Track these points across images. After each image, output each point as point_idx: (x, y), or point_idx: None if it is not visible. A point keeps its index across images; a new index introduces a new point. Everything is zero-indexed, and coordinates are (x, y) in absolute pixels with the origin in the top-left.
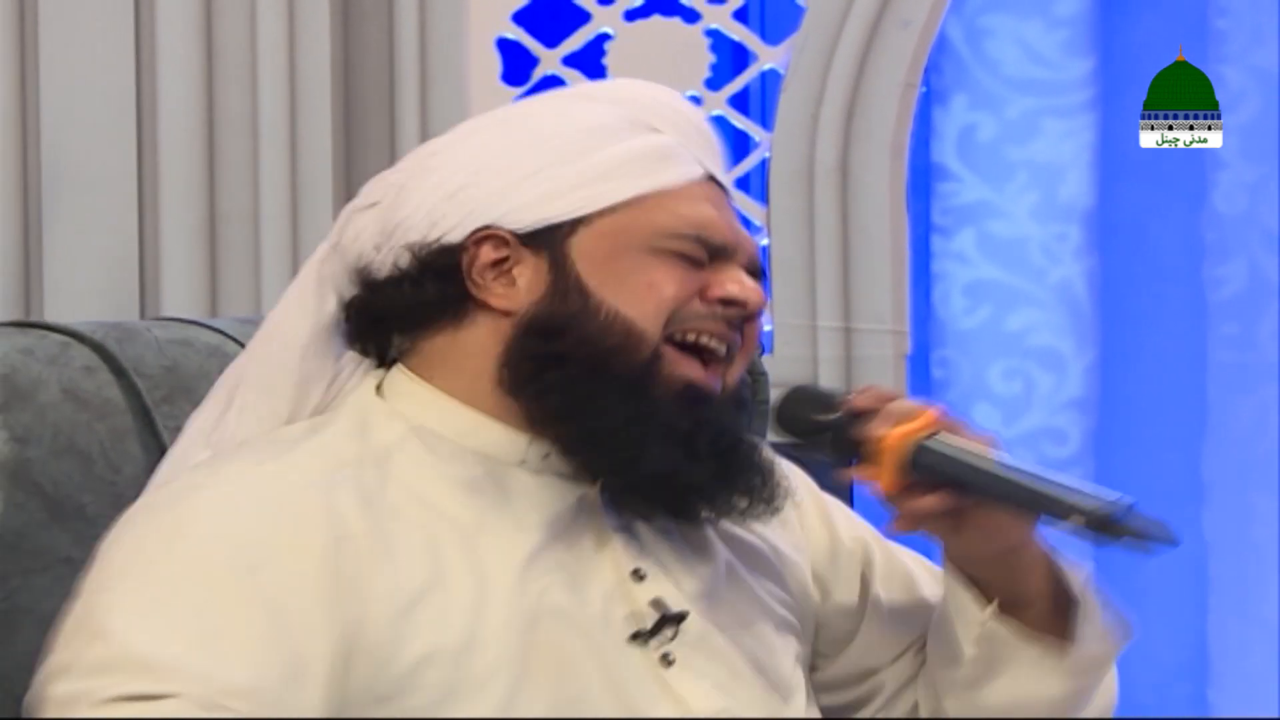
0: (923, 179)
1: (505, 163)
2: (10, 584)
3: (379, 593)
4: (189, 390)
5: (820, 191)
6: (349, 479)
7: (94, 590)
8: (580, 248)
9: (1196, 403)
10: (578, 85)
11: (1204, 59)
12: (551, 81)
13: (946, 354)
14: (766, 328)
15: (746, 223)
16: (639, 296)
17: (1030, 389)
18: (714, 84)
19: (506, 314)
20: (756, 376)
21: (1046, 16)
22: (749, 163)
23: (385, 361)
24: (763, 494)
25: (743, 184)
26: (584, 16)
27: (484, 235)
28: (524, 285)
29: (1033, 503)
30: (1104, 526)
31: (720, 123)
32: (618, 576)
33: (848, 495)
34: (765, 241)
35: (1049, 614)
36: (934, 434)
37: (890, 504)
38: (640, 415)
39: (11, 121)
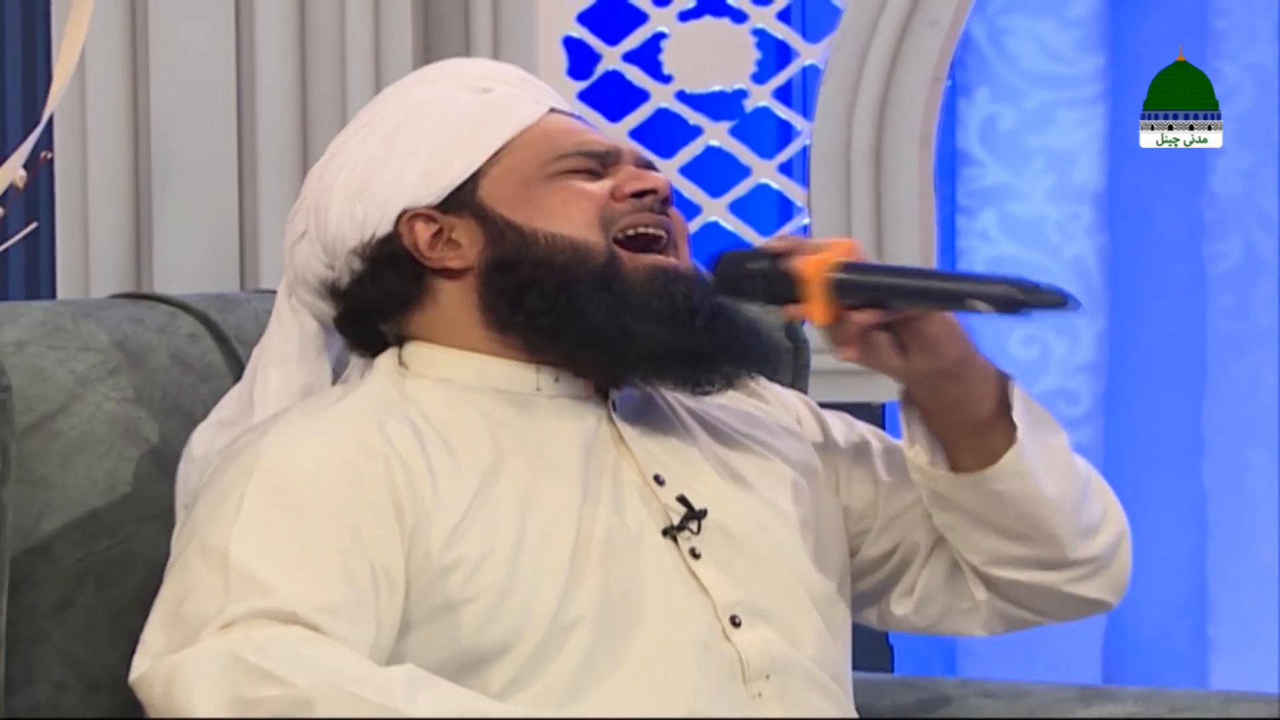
0: (948, 164)
1: (385, 154)
2: (123, 531)
3: (432, 508)
4: None
5: (856, 176)
6: (396, 413)
7: (196, 529)
8: (490, 195)
9: (1196, 366)
10: (404, 77)
11: (1203, 56)
12: (612, 76)
13: (968, 323)
14: None
15: (789, 204)
16: (561, 215)
17: (1046, 354)
18: (759, 78)
19: (465, 271)
20: (798, 343)
21: (1061, 17)
22: (791, 149)
23: (390, 344)
24: (759, 353)
25: (785, 169)
26: (642, 17)
27: (409, 217)
28: (466, 243)
29: (944, 296)
30: (1009, 305)
31: (764, 113)
32: (642, 480)
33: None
34: (806, 221)
35: (1008, 425)
36: (849, 261)
37: (829, 333)
38: (620, 305)
39: (124, 114)
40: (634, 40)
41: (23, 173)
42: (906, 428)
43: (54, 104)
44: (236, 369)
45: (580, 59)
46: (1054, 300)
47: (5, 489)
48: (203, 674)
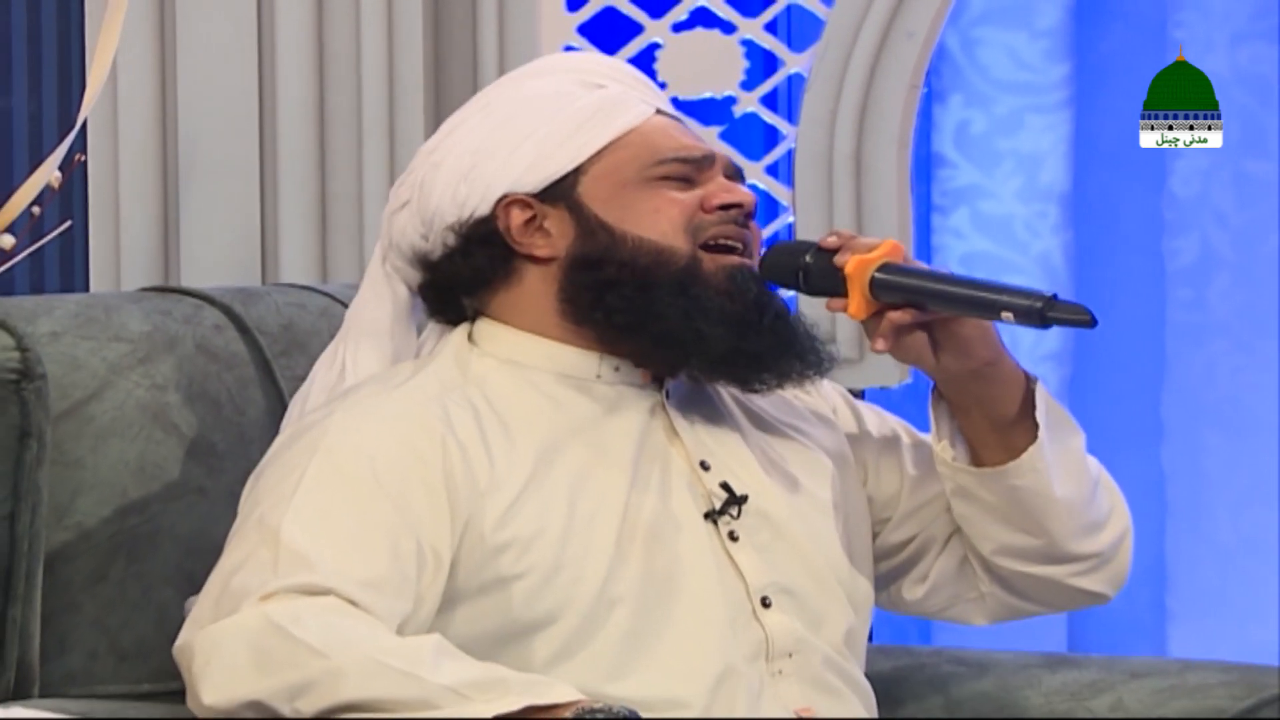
0: (924, 166)
1: (496, 140)
2: (151, 509)
3: (488, 489)
4: (303, 345)
5: (838, 177)
6: (458, 396)
7: (258, 501)
8: (587, 193)
9: (1156, 355)
10: (531, 64)
11: (1163, 64)
12: None
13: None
14: None
15: (774, 204)
16: (651, 221)
17: (1015, 343)
18: (747, 85)
19: (550, 260)
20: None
21: (1030, 28)
22: (777, 152)
23: (466, 319)
24: (814, 356)
25: (772, 171)
26: (637, 28)
27: (508, 202)
28: (557, 233)
29: (974, 304)
30: (1034, 318)
31: (752, 118)
32: (689, 466)
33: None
34: (791, 219)
35: (1030, 424)
36: (892, 262)
37: (866, 325)
38: (694, 309)
39: (153, 119)
40: (630, 50)
41: (58, 174)
42: (935, 422)
43: (87, 110)
44: (259, 357)
45: None
46: (1077, 317)
47: (41, 470)
48: (236, 641)
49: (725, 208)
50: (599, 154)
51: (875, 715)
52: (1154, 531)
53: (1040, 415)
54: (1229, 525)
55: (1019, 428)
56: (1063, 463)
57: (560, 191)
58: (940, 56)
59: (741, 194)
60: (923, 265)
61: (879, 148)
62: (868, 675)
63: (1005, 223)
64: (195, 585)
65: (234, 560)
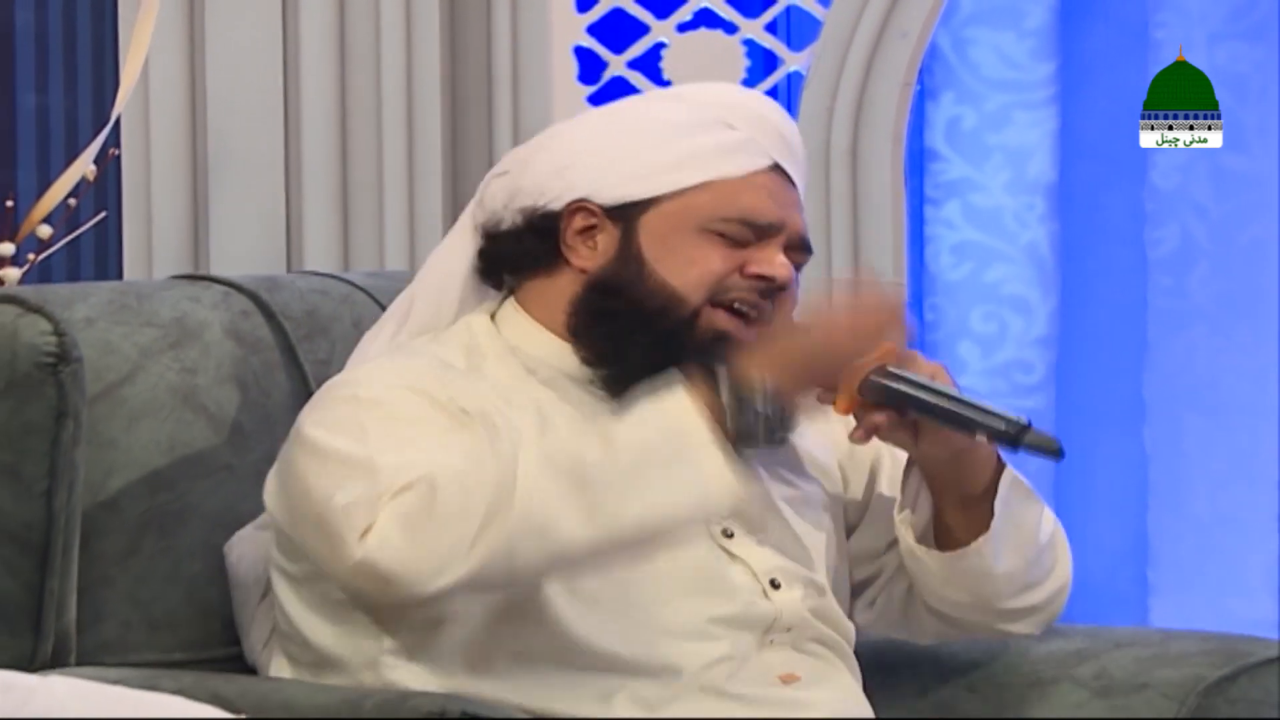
0: (917, 160)
1: (600, 148)
2: (181, 487)
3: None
4: (325, 330)
5: (835, 171)
6: (453, 374)
7: (316, 446)
8: (648, 224)
9: (1138, 340)
10: (677, 87)
11: (1144, 63)
12: (618, 82)
13: (936, 301)
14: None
15: None
16: (682, 269)
17: (1004, 329)
18: (748, 83)
19: (583, 270)
20: None
21: (1017, 28)
22: None
23: (503, 290)
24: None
25: None
26: (644, 28)
27: (578, 207)
28: (601, 249)
29: (951, 421)
30: (1006, 440)
31: None
32: None
33: None
34: None
35: (990, 508)
36: (883, 366)
37: (855, 419)
38: (666, 361)
39: (184, 115)
40: (637, 49)
41: (93, 167)
42: (903, 492)
43: (121, 106)
44: (284, 342)
45: (589, 66)
46: (1047, 446)
47: (77, 450)
48: (397, 535)
49: (760, 278)
50: (681, 191)
51: (859, 683)
52: (1136, 509)
53: (999, 503)
54: (1208, 502)
55: (981, 506)
56: (1012, 539)
57: (626, 213)
58: (932, 55)
59: (781, 268)
60: (913, 369)
61: (874, 143)
62: (862, 642)
63: (994, 214)
64: (223, 560)
65: (325, 493)
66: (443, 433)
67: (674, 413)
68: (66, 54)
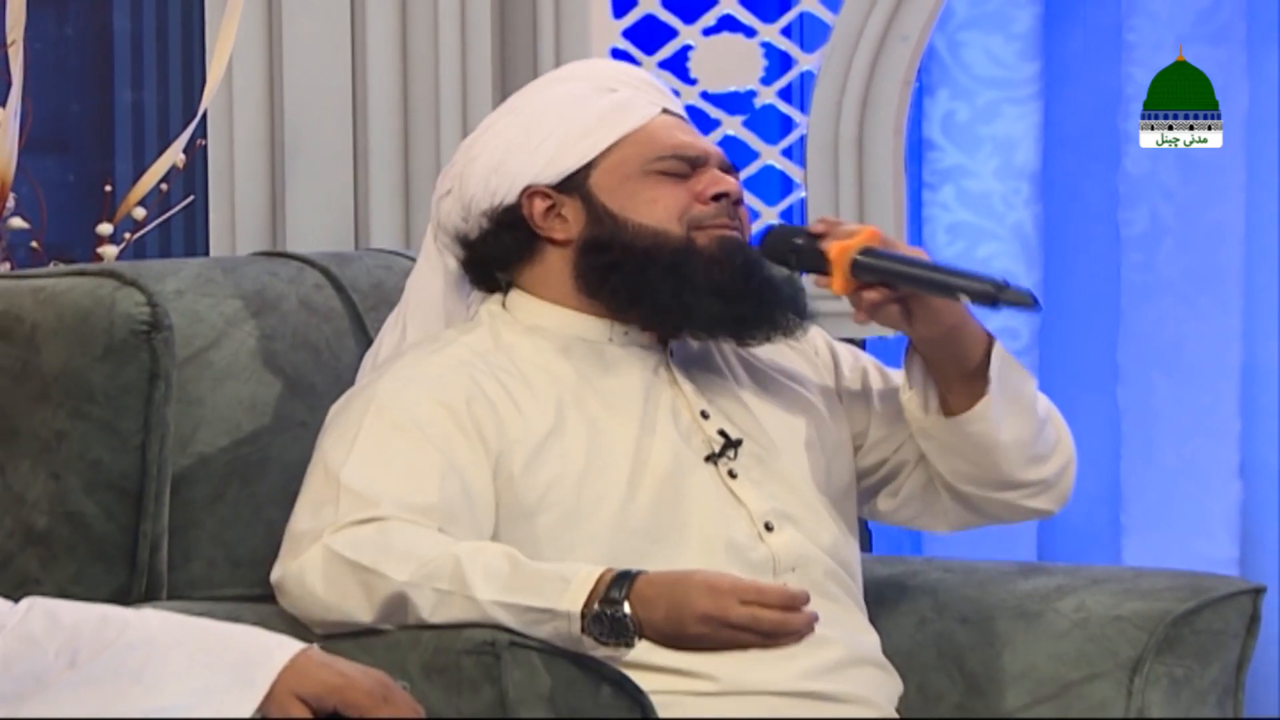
0: (916, 150)
1: (523, 138)
2: (261, 440)
3: (515, 437)
4: (389, 301)
5: (843, 159)
6: (484, 362)
7: (323, 455)
8: (598, 184)
9: (1112, 310)
10: (555, 70)
11: (1118, 63)
12: None
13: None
14: None
15: (789, 181)
16: (650, 209)
17: None
18: (766, 81)
19: (567, 242)
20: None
21: (1005, 32)
22: (791, 138)
23: (501, 289)
24: (795, 313)
25: (787, 154)
26: (673, 32)
27: (530, 192)
28: (572, 220)
29: (935, 286)
30: (986, 299)
31: (770, 109)
32: (691, 416)
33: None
34: (803, 194)
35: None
36: (869, 247)
37: (850, 299)
38: (684, 286)
39: (263, 108)
40: (667, 51)
41: (182, 156)
42: (907, 374)
43: (207, 101)
44: (352, 312)
45: None
46: (1022, 300)
47: (168, 407)
48: (312, 574)
49: (717, 197)
50: (608, 151)
51: (867, 622)
52: (1110, 459)
53: (993, 371)
54: (1174, 454)
55: (978, 378)
56: (1012, 409)
57: (575, 183)
58: (930, 56)
59: (729, 184)
60: (898, 250)
61: (877, 134)
62: (868, 580)
63: (984, 198)
64: None
65: (304, 507)
66: (434, 475)
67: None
68: (159, 56)
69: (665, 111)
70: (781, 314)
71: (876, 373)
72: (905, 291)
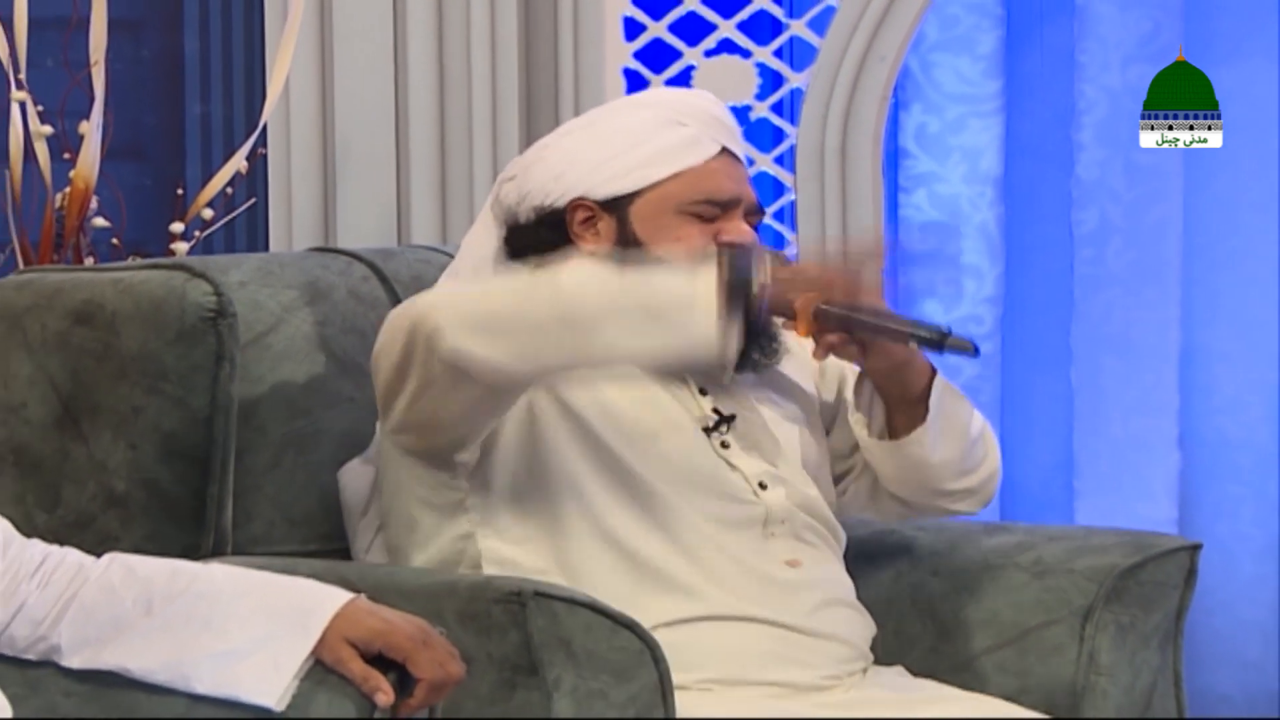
0: (892, 158)
1: (587, 155)
2: (315, 414)
3: None
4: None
5: (828, 166)
6: None
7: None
8: (637, 212)
9: (1066, 299)
10: (636, 95)
11: (1070, 80)
12: None
13: (906, 269)
14: (792, 250)
15: (780, 185)
16: (671, 245)
17: (960, 291)
18: (760, 97)
19: (594, 252)
20: None
21: (972, 53)
22: (782, 147)
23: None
24: (771, 350)
25: (779, 161)
26: (678, 54)
27: (577, 204)
28: (603, 235)
29: (886, 335)
30: (932, 345)
31: (764, 122)
32: (690, 392)
33: None
34: (793, 198)
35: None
36: (830, 299)
37: (814, 340)
38: None
39: (316, 120)
40: (672, 70)
41: (245, 163)
42: (856, 399)
43: (267, 115)
44: (395, 300)
45: (635, 84)
46: (964, 346)
47: (232, 385)
48: (439, 301)
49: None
50: (658, 183)
51: (844, 570)
52: (1064, 432)
53: (933, 400)
54: (1121, 427)
55: (922, 403)
56: (946, 433)
57: (618, 204)
58: (905, 75)
59: (744, 233)
60: (849, 303)
61: (859, 143)
62: (851, 539)
63: (953, 200)
64: None
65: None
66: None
67: (697, 280)
68: (224, 74)
69: (724, 150)
70: (760, 350)
71: (850, 383)
72: (860, 336)
